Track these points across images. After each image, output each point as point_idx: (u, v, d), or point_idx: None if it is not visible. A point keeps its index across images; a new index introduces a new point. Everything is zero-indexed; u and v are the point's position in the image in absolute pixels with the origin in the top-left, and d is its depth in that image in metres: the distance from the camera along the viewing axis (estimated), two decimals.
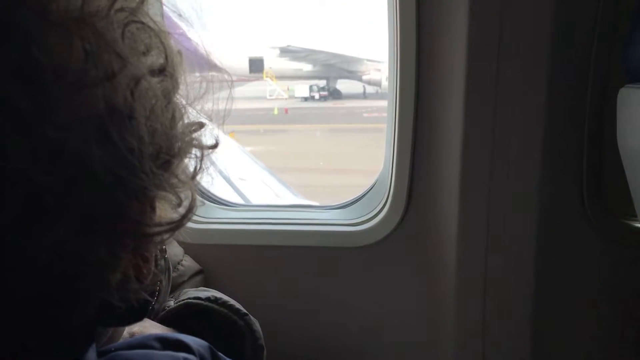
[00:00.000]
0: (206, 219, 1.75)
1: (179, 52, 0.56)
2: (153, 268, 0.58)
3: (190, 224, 1.83)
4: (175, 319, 1.13)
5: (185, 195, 0.58)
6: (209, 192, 1.83)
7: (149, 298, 0.61)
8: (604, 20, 1.35)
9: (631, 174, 1.24)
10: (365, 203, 1.73)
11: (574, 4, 1.34)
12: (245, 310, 1.20)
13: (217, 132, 0.63)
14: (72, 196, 0.45)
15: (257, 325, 1.19)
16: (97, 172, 0.45)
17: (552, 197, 1.45)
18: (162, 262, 0.93)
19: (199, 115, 0.60)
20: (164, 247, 0.94)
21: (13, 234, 0.43)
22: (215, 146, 0.62)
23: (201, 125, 0.60)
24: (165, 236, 0.57)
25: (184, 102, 0.57)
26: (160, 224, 0.55)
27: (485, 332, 1.56)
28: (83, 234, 0.47)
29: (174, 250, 1.52)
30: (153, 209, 0.54)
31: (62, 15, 0.45)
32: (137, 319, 0.63)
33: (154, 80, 0.51)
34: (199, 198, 1.74)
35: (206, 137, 0.61)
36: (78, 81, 0.44)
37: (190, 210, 0.59)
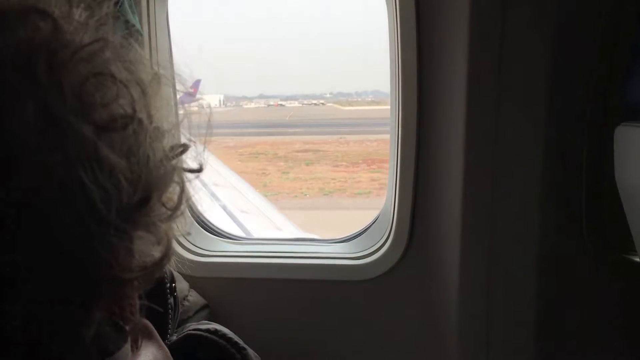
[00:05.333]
0: (211, 252, 1.76)
1: (155, 79, 0.54)
2: (131, 316, 0.56)
3: (195, 257, 1.84)
4: (176, 352, 1.13)
5: (162, 234, 0.55)
6: (213, 225, 1.85)
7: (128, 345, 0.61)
8: (601, 59, 1.38)
9: (630, 209, 1.26)
10: (368, 237, 1.75)
11: (571, 43, 1.38)
12: (243, 344, 1.18)
13: (201, 159, 0.60)
14: (41, 263, 0.44)
15: None
16: (65, 234, 0.45)
17: (552, 232, 1.47)
18: (171, 301, 0.95)
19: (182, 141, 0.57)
20: (173, 285, 0.96)
21: None
22: (199, 170, 0.60)
23: (185, 149, 0.57)
24: (142, 281, 0.55)
25: (165, 128, 0.54)
26: (132, 270, 0.52)
27: None
28: (53, 297, 0.46)
29: (179, 285, 1.53)
30: (129, 252, 0.52)
31: (17, 76, 0.44)
32: None
33: (120, 127, 0.49)
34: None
35: (188, 163, 0.58)
36: (30, 145, 0.43)
37: (167, 253, 0.55)
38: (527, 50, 1.37)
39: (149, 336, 0.76)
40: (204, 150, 0.61)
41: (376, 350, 1.70)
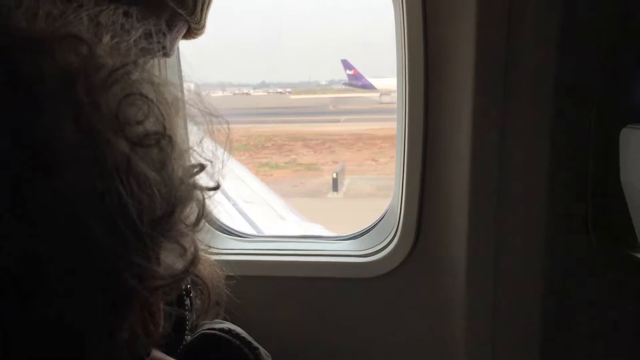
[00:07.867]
0: (218, 250, 1.78)
1: (176, 100, 0.57)
2: (160, 321, 0.59)
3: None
4: (191, 353, 1.14)
5: (188, 244, 0.59)
6: (221, 223, 1.87)
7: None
8: (607, 60, 1.39)
9: (635, 211, 1.27)
10: (376, 234, 1.77)
11: (577, 43, 1.38)
12: (256, 344, 1.20)
13: (218, 175, 0.63)
14: (78, 274, 0.47)
15: None
16: (101, 243, 0.47)
17: (558, 230, 1.48)
18: (187, 302, 0.97)
19: (200, 161, 0.61)
20: (189, 286, 0.97)
21: (13, 305, 0.45)
22: (216, 188, 0.63)
23: (202, 168, 0.61)
24: (170, 288, 0.58)
25: (184, 148, 0.58)
26: (163, 277, 0.55)
27: None
28: (89, 305, 0.48)
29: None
30: (158, 261, 0.55)
31: (55, 94, 0.46)
32: None
33: (153, 143, 0.52)
34: (208, 228, 1.72)
35: (206, 180, 0.62)
36: (70, 158, 0.46)
37: (194, 261, 0.59)
38: (533, 56, 1.38)
39: None
40: (222, 168, 0.64)
41: (383, 347, 1.72)
